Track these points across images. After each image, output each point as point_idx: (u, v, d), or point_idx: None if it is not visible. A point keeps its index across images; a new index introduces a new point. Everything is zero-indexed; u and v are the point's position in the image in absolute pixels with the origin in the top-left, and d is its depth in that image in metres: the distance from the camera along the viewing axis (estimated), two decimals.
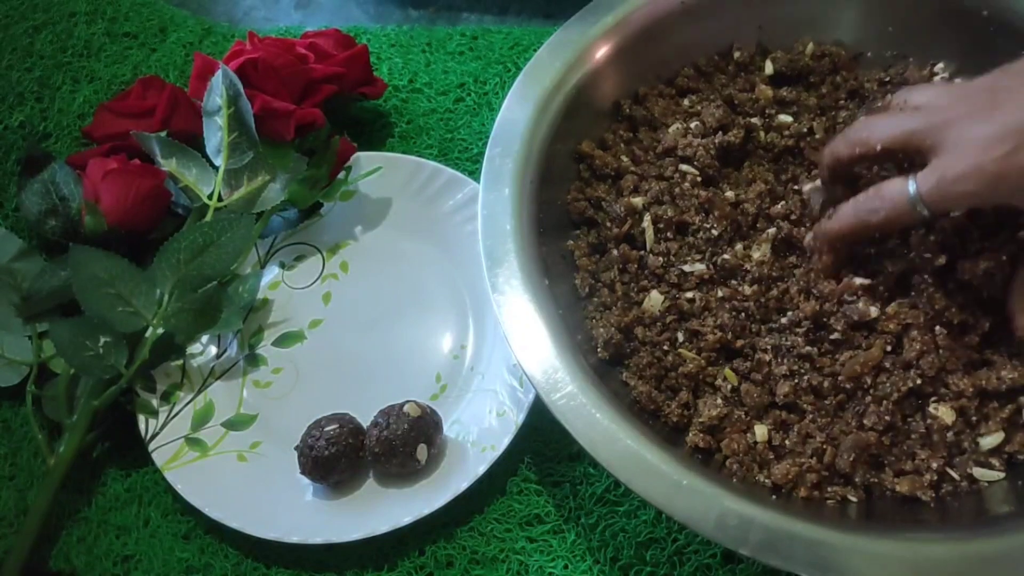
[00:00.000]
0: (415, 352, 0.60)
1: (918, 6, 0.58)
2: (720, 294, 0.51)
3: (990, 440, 0.46)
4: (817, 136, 0.57)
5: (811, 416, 0.48)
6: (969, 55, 0.57)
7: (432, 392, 0.58)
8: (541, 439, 0.56)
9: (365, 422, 0.54)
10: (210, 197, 0.60)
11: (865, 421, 0.46)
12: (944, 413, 0.46)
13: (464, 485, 0.52)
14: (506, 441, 0.53)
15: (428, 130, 0.71)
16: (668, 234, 0.54)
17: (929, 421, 0.46)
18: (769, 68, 0.61)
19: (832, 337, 0.49)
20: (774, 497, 0.45)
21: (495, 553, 0.52)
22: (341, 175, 0.66)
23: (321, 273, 0.65)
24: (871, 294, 0.49)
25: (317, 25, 0.80)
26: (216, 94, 0.60)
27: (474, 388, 0.58)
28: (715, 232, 0.53)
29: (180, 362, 0.60)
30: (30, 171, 0.63)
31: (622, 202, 0.55)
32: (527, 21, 0.79)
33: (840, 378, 0.48)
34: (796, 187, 0.55)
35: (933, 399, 0.47)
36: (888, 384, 0.47)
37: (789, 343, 0.49)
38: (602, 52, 0.59)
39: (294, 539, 0.52)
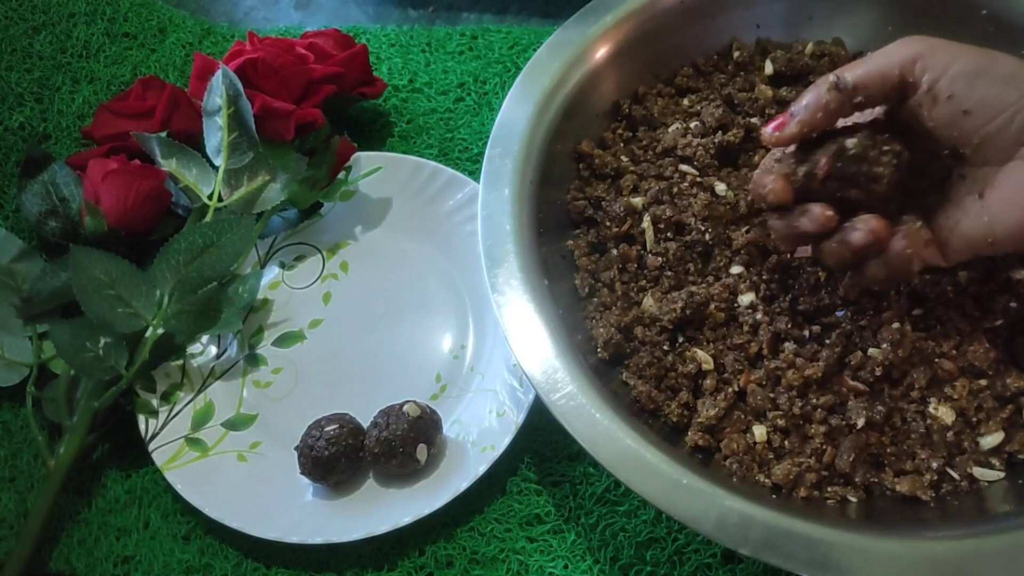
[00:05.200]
0: (415, 352, 0.60)
1: (917, 5, 0.58)
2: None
3: (990, 440, 0.46)
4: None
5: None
6: None
7: (432, 392, 0.58)
8: (541, 439, 0.56)
9: (365, 422, 0.54)
10: (210, 197, 0.60)
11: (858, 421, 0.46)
12: (944, 413, 0.46)
13: (464, 485, 0.52)
14: (506, 441, 0.53)
15: (428, 130, 0.71)
16: (668, 234, 0.54)
17: (929, 421, 0.46)
18: (769, 68, 0.60)
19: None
20: (774, 497, 0.45)
21: (495, 553, 0.52)
22: (341, 175, 0.66)
23: (321, 273, 0.65)
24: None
25: (317, 25, 0.80)
26: (216, 94, 0.60)
27: (474, 388, 0.58)
28: (708, 238, 0.53)
29: (180, 362, 0.60)
30: (30, 172, 0.63)
31: (621, 202, 0.55)
32: (527, 21, 0.79)
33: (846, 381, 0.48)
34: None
35: (933, 399, 0.47)
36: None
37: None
38: (601, 52, 0.59)
39: (294, 539, 0.52)
